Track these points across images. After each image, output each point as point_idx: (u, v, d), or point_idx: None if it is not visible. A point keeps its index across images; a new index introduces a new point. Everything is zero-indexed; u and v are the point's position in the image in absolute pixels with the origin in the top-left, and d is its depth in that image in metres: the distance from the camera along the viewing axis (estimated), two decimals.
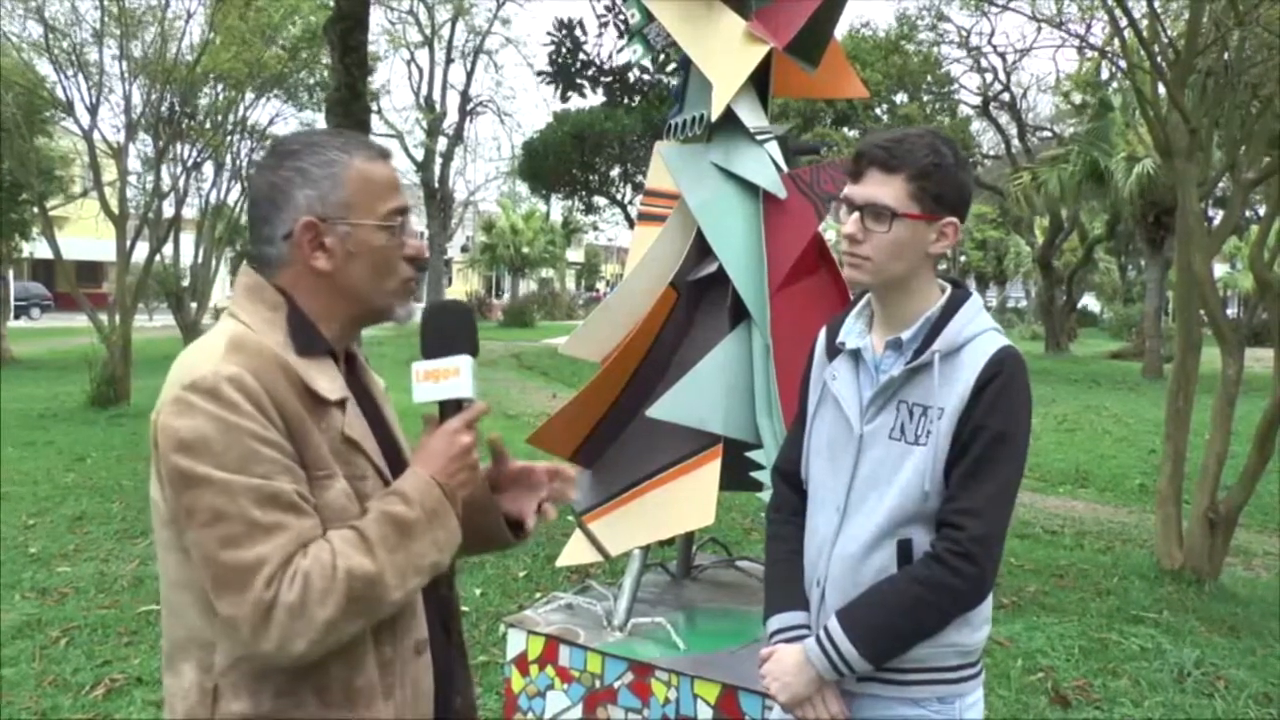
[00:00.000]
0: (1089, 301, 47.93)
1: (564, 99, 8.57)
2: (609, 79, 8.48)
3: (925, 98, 27.25)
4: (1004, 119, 27.89)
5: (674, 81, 3.53)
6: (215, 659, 1.42)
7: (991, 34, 47.16)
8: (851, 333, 1.93)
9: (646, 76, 8.77)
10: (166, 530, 1.44)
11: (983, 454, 1.74)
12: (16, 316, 30.52)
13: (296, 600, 1.32)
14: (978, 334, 1.81)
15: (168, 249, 16.80)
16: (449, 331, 1.55)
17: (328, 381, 1.48)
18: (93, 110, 14.26)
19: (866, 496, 1.84)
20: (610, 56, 8.48)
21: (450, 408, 1.53)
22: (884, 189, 1.78)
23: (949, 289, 1.89)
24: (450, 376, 1.52)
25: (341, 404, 1.49)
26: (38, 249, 22.73)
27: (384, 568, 1.39)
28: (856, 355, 1.91)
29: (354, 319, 1.55)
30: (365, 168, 1.50)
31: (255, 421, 1.36)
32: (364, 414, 1.55)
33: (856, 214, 1.81)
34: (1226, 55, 6.28)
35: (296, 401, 1.42)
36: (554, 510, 1.78)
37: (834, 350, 1.96)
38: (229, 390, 1.36)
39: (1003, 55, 25.02)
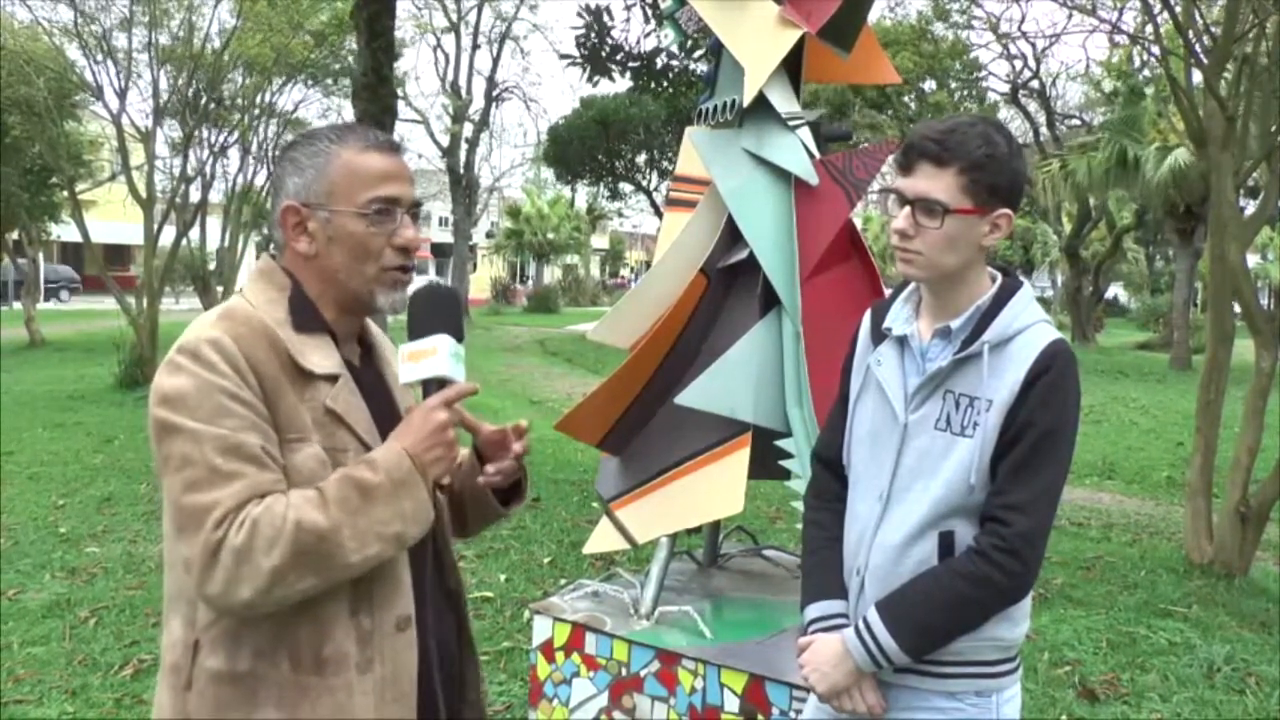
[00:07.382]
0: (1116, 292, 47.49)
1: (593, 83, 8.55)
2: (636, 64, 8.44)
3: (953, 84, 26.98)
4: (1032, 107, 27.61)
5: (701, 67, 3.50)
6: (198, 615, 1.49)
7: (1022, 20, 46.78)
8: (898, 319, 1.89)
9: (674, 62, 8.73)
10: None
11: (1031, 450, 1.72)
12: (46, 299, 30.82)
13: (243, 544, 1.38)
14: (1029, 325, 1.78)
15: (194, 233, 16.92)
16: (429, 313, 1.60)
17: (320, 357, 1.55)
18: (121, 95, 14.41)
19: (910, 486, 1.81)
20: (638, 41, 8.46)
21: (433, 386, 1.57)
22: (935, 183, 1.73)
23: (999, 277, 1.85)
24: (428, 356, 1.56)
25: (332, 379, 1.55)
26: (66, 232, 22.93)
27: (339, 526, 1.42)
28: (902, 342, 1.87)
29: (340, 303, 1.60)
30: (352, 158, 1.56)
31: (229, 380, 1.44)
32: (370, 397, 1.61)
33: (908, 209, 1.76)
34: (1266, 43, 6.18)
35: (276, 368, 1.49)
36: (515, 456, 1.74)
37: (879, 335, 1.92)
38: (208, 351, 1.45)
39: (1033, 42, 24.74)
